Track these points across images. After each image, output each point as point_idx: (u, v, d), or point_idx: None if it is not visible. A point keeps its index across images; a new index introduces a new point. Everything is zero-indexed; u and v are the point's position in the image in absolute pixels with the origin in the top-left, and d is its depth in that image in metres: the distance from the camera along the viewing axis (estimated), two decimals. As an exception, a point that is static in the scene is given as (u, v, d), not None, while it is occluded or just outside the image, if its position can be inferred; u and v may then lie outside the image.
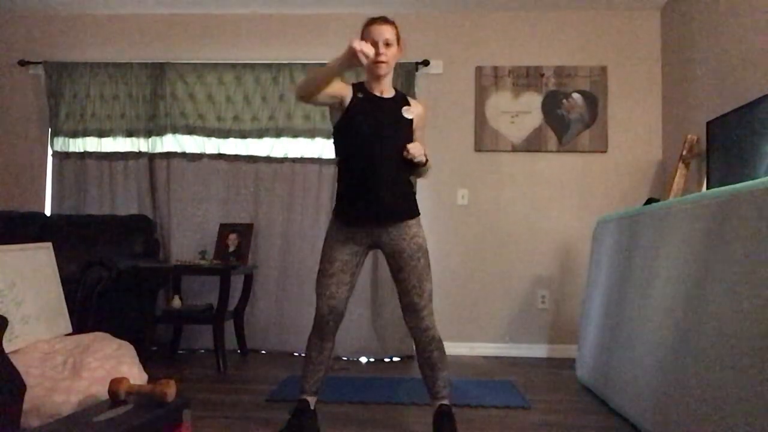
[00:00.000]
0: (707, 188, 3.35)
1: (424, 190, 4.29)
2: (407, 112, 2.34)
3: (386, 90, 2.35)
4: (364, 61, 2.03)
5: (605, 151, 4.24)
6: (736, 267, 1.77)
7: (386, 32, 2.25)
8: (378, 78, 2.30)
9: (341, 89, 2.28)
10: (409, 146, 2.25)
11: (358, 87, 2.36)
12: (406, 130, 2.33)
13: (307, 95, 2.20)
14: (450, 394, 2.37)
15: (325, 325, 2.31)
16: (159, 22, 4.49)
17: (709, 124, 3.31)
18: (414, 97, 4.21)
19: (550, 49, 4.32)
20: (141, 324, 3.74)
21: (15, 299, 2.34)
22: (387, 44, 2.26)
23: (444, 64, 4.35)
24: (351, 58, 2.04)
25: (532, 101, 4.27)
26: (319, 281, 2.33)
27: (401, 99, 2.39)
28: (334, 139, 2.36)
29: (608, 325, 2.87)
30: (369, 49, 2.03)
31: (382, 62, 2.25)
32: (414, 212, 2.33)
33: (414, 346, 2.34)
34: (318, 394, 2.39)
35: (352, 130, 2.28)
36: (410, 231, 2.29)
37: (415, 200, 2.37)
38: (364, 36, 2.29)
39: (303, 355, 4.11)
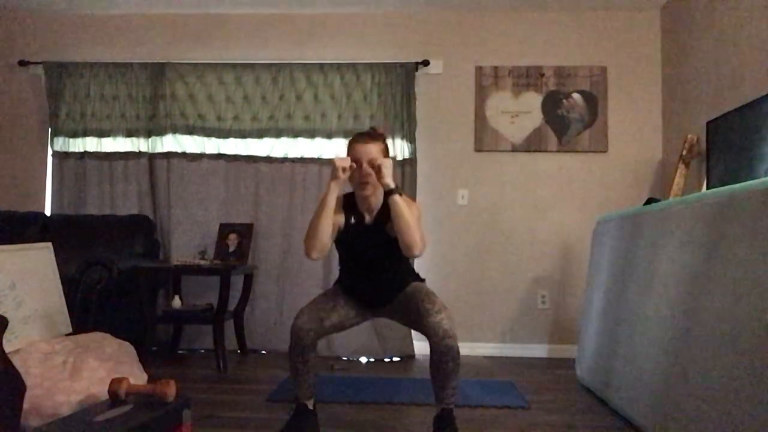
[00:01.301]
0: (707, 188, 3.35)
1: (424, 190, 4.29)
2: (391, 230, 2.27)
3: (375, 204, 2.33)
4: (341, 175, 2.18)
5: (605, 151, 4.24)
6: (736, 267, 1.77)
7: (372, 151, 2.24)
8: (365, 198, 2.31)
9: (337, 220, 2.33)
10: (381, 164, 2.18)
11: (350, 208, 2.38)
12: (394, 244, 2.27)
13: (317, 241, 2.22)
14: (456, 401, 2.34)
15: (305, 336, 2.21)
16: (159, 22, 4.48)
17: (709, 124, 3.31)
18: (415, 96, 4.21)
19: (550, 49, 4.32)
20: (141, 324, 3.73)
21: (15, 299, 2.34)
22: (370, 162, 2.23)
23: (444, 64, 4.35)
24: (334, 173, 2.20)
25: (532, 101, 4.27)
26: (310, 305, 2.29)
27: (386, 211, 2.26)
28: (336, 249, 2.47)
29: (608, 325, 2.87)
30: (345, 163, 2.19)
31: (367, 183, 2.25)
32: (408, 281, 2.42)
33: (430, 352, 2.24)
34: (314, 396, 2.38)
35: (345, 248, 2.40)
36: (404, 290, 2.40)
37: (411, 272, 2.46)
38: (350, 154, 2.28)
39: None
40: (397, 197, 2.17)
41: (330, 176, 2.23)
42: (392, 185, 2.19)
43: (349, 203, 2.40)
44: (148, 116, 4.35)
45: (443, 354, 2.14)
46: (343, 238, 2.39)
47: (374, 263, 2.36)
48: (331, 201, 2.23)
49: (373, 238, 2.35)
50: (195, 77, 4.34)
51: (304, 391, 2.32)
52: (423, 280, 2.48)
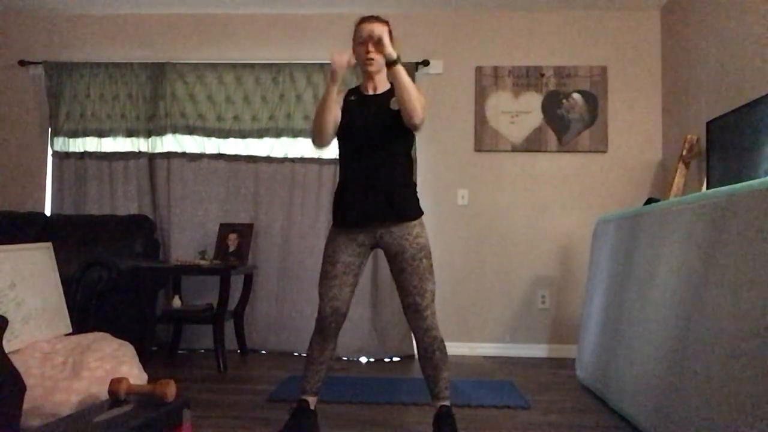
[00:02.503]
0: (707, 188, 3.35)
1: (424, 190, 4.29)
2: (394, 104, 2.32)
3: (380, 86, 2.38)
4: (338, 76, 2.21)
5: (605, 151, 4.24)
6: (736, 267, 1.77)
7: (377, 29, 2.25)
8: (370, 76, 2.35)
9: (339, 107, 2.34)
10: (380, 34, 2.19)
11: (351, 91, 2.42)
12: (394, 121, 2.30)
13: (320, 133, 2.29)
14: (451, 396, 2.36)
15: (328, 326, 2.31)
16: (159, 22, 4.49)
17: (709, 124, 3.31)
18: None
19: (550, 49, 4.32)
20: (141, 324, 3.73)
21: (15, 299, 2.34)
22: (376, 38, 2.24)
23: (444, 64, 4.35)
24: (332, 75, 2.22)
25: (532, 101, 4.27)
26: (321, 283, 2.32)
27: (390, 92, 2.37)
28: (338, 145, 2.42)
29: (608, 325, 2.87)
30: (343, 60, 2.21)
31: (371, 59, 2.29)
32: (416, 212, 2.32)
33: (415, 346, 2.33)
34: (318, 395, 2.39)
35: (344, 131, 2.34)
36: (413, 231, 2.29)
37: (416, 200, 2.36)
38: (355, 35, 2.33)
39: (303, 354, 4.11)
40: (399, 66, 2.20)
41: (329, 77, 2.24)
42: (394, 55, 2.21)
43: (351, 92, 2.41)
44: (148, 116, 4.36)
45: (429, 344, 2.28)
46: (343, 119, 2.34)
47: (374, 142, 2.29)
48: (332, 97, 2.26)
49: (376, 110, 2.32)
50: (195, 77, 4.34)
51: (311, 384, 2.34)
52: (422, 213, 2.36)
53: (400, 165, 2.32)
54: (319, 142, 2.32)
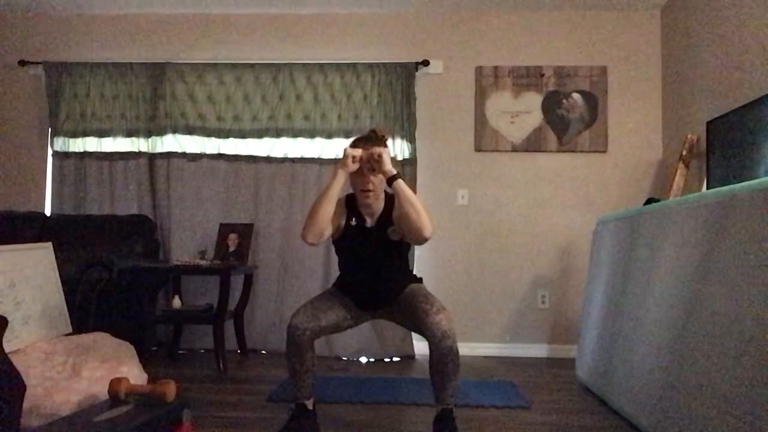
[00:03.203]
0: (707, 188, 3.35)
1: (424, 190, 4.29)
2: (392, 234, 2.34)
3: (376, 208, 2.35)
4: (350, 164, 2.19)
5: (605, 151, 4.24)
6: (736, 267, 1.77)
7: (376, 152, 2.19)
8: (367, 204, 2.33)
9: (337, 220, 2.33)
10: (380, 152, 2.18)
11: (351, 209, 2.38)
12: (393, 248, 2.37)
13: (314, 224, 2.21)
14: (456, 401, 2.33)
15: (301, 334, 2.21)
16: (159, 22, 4.48)
17: (709, 124, 3.31)
18: (415, 96, 4.21)
19: (550, 49, 4.32)
20: (141, 324, 3.73)
21: (15, 299, 2.34)
22: (377, 161, 2.20)
23: (444, 64, 4.35)
24: (343, 161, 2.19)
25: (532, 101, 4.27)
26: (306, 304, 2.30)
27: (387, 215, 2.34)
28: (336, 252, 2.48)
29: (608, 325, 2.87)
30: (356, 152, 2.19)
31: (369, 191, 2.27)
32: (407, 285, 2.41)
33: (429, 353, 2.21)
34: (314, 395, 2.38)
35: (346, 250, 2.41)
36: (404, 291, 2.39)
37: (409, 274, 2.47)
38: (348, 159, 2.23)
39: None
40: (401, 182, 2.18)
41: (338, 164, 2.22)
42: (394, 171, 2.19)
43: (349, 204, 2.40)
44: (148, 116, 4.35)
45: (443, 355, 2.15)
46: (343, 240, 2.39)
47: (374, 265, 2.36)
48: (336, 188, 2.22)
49: (375, 240, 2.36)
50: (195, 77, 4.34)
51: (303, 391, 2.31)
52: (420, 280, 2.49)
53: (400, 270, 2.43)
54: (312, 237, 2.22)
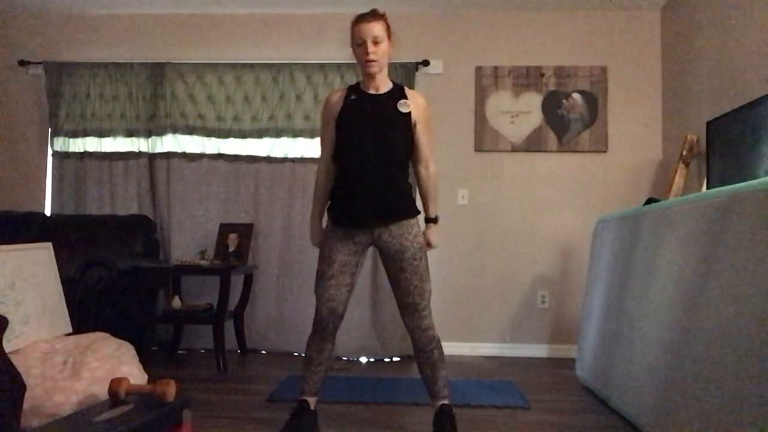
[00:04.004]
0: (707, 188, 3.35)
1: (424, 190, 4.29)
2: (402, 106, 2.27)
3: (382, 86, 2.30)
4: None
5: (605, 151, 4.24)
6: (736, 267, 1.77)
7: (374, 29, 2.20)
8: (371, 76, 2.28)
9: (333, 108, 2.33)
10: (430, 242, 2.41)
11: (352, 89, 2.34)
12: (401, 124, 2.26)
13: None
14: (450, 395, 2.36)
15: (325, 327, 2.31)
16: (159, 22, 4.48)
17: (709, 124, 3.31)
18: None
19: (550, 49, 4.32)
20: (141, 324, 3.74)
21: (15, 299, 2.34)
22: (376, 42, 2.21)
23: (444, 64, 4.35)
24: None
25: (532, 101, 4.27)
26: (318, 283, 2.31)
27: (398, 92, 2.31)
28: (336, 140, 2.35)
29: (608, 325, 2.87)
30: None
31: (372, 61, 2.22)
32: (414, 211, 2.31)
33: (413, 347, 2.32)
34: (318, 395, 2.39)
35: (344, 130, 2.28)
36: (412, 230, 2.27)
37: (413, 199, 2.34)
38: (353, 36, 2.25)
39: (303, 355, 4.11)
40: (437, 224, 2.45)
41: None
42: (435, 222, 2.45)
43: (351, 91, 2.34)
44: (148, 116, 4.35)
45: (427, 344, 2.27)
46: (341, 119, 2.29)
47: (378, 139, 2.23)
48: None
49: (381, 108, 2.26)
50: (195, 77, 4.34)
51: (311, 385, 2.34)
52: (419, 212, 2.36)
53: (401, 166, 2.28)
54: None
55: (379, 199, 2.23)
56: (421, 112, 2.32)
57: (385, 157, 2.23)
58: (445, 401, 2.31)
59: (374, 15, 2.24)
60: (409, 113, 2.28)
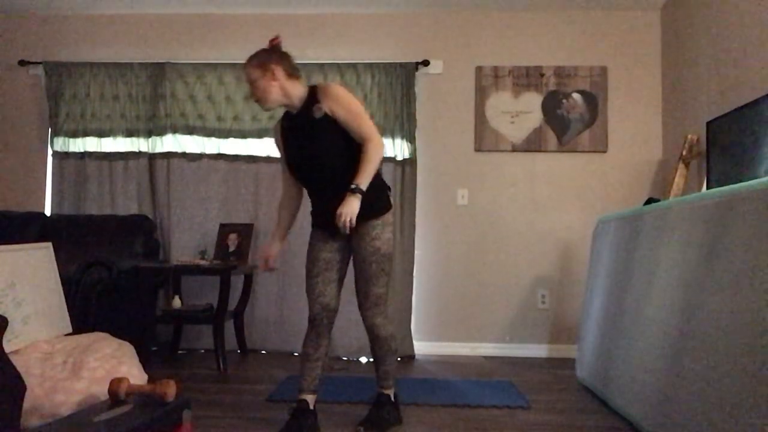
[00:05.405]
0: (707, 188, 3.35)
1: (424, 190, 4.29)
2: (316, 112, 2.29)
3: (297, 101, 2.34)
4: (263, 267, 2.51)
5: (605, 151, 4.24)
6: (736, 267, 1.77)
7: (249, 75, 2.34)
8: (269, 108, 2.39)
9: (278, 138, 2.48)
10: (339, 214, 2.18)
11: (285, 116, 2.46)
12: (323, 130, 2.27)
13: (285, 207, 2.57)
14: (391, 387, 2.50)
15: (320, 322, 2.39)
16: (159, 22, 4.48)
17: (709, 124, 3.31)
18: (415, 96, 4.20)
19: (550, 49, 4.32)
20: (141, 324, 3.73)
21: (15, 299, 2.34)
22: (253, 85, 2.33)
23: (444, 64, 4.35)
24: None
25: (532, 101, 4.27)
26: (307, 282, 2.42)
27: (311, 99, 2.33)
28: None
29: (608, 325, 2.87)
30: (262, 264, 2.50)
31: (256, 101, 2.37)
32: (376, 211, 2.31)
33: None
34: (317, 393, 2.40)
35: (287, 158, 2.41)
36: (372, 232, 2.32)
37: (378, 197, 2.33)
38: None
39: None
40: (360, 189, 2.21)
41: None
42: (356, 196, 2.20)
43: (285, 116, 2.45)
44: (148, 116, 4.35)
45: (372, 341, 2.42)
46: (284, 148, 2.42)
47: (316, 161, 2.28)
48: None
49: (301, 125, 2.33)
50: (195, 77, 4.34)
51: (309, 382, 2.38)
52: (385, 211, 2.33)
53: (347, 167, 2.29)
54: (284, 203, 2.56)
55: (337, 207, 2.29)
56: (335, 103, 2.27)
57: (324, 168, 2.29)
58: (386, 391, 2.48)
59: (247, 62, 2.36)
60: (325, 115, 2.28)
